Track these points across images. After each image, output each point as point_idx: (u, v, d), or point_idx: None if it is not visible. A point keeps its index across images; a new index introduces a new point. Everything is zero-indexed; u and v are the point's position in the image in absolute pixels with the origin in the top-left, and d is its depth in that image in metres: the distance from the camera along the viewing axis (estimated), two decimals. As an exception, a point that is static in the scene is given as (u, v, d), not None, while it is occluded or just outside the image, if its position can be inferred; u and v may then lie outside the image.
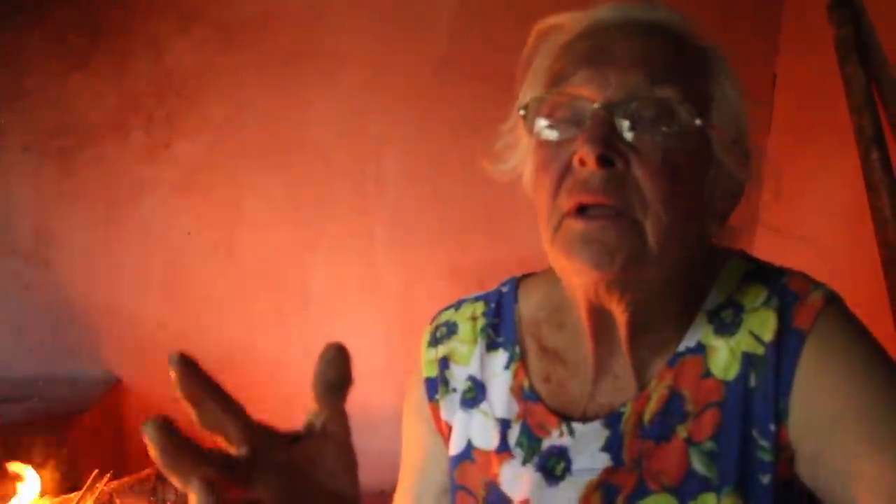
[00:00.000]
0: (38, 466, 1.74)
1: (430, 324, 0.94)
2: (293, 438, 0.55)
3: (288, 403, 2.31)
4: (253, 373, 2.28)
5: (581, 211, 0.70)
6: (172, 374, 0.48)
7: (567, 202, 0.71)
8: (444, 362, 0.89)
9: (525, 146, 0.80)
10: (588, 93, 0.71)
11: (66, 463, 1.84)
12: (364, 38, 2.15)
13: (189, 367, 0.48)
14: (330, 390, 0.54)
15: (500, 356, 0.87)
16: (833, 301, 0.76)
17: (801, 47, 2.01)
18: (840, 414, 0.71)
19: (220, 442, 0.51)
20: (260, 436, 0.52)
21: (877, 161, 1.51)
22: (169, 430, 0.45)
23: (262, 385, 2.28)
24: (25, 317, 2.19)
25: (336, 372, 0.54)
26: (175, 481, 0.46)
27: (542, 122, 0.75)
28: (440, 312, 0.94)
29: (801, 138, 1.95)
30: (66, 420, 1.96)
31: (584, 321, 0.78)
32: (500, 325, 0.89)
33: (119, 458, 2.19)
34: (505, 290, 0.92)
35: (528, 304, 0.89)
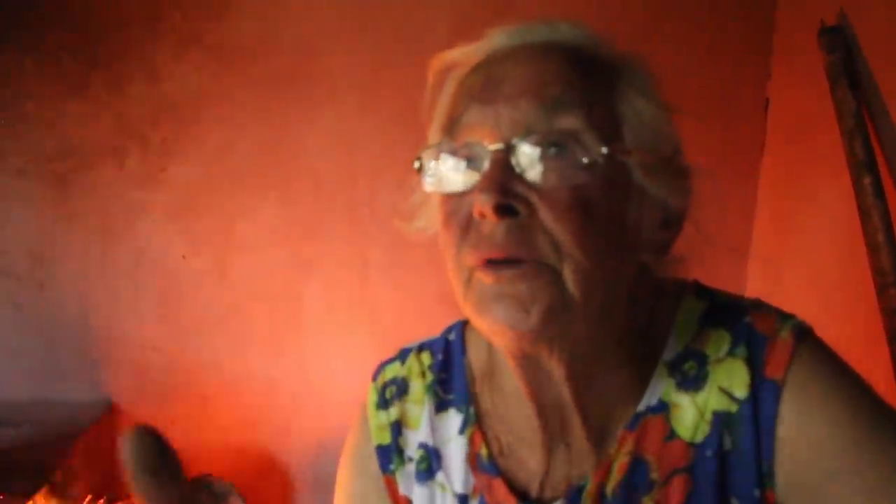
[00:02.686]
0: (30, 492, 1.73)
1: (374, 381, 0.84)
2: None
3: (282, 426, 2.31)
4: (247, 396, 2.27)
5: (489, 264, 0.62)
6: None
7: (472, 258, 0.62)
8: (397, 427, 0.80)
9: (434, 201, 0.70)
10: (481, 134, 0.63)
11: (59, 487, 1.83)
12: (359, 63, 2.16)
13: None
14: None
15: (453, 418, 0.78)
16: (804, 338, 0.68)
17: (793, 72, 2.02)
18: (833, 469, 0.64)
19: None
20: None
21: (869, 186, 1.51)
22: None
23: (256, 408, 2.28)
24: (19, 340, 2.19)
25: None
26: None
27: (444, 171, 0.66)
28: (383, 366, 0.85)
29: (794, 162, 1.96)
30: (60, 444, 1.95)
31: (520, 383, 0.69)
32: (449, 381, 0.79)
33: (113, 482, 2.17)
34: (452, 337, 0.82)
35: (478, 357, 0.79)
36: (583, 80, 0.64)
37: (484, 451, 0.75)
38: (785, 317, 0.70)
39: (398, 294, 2.25)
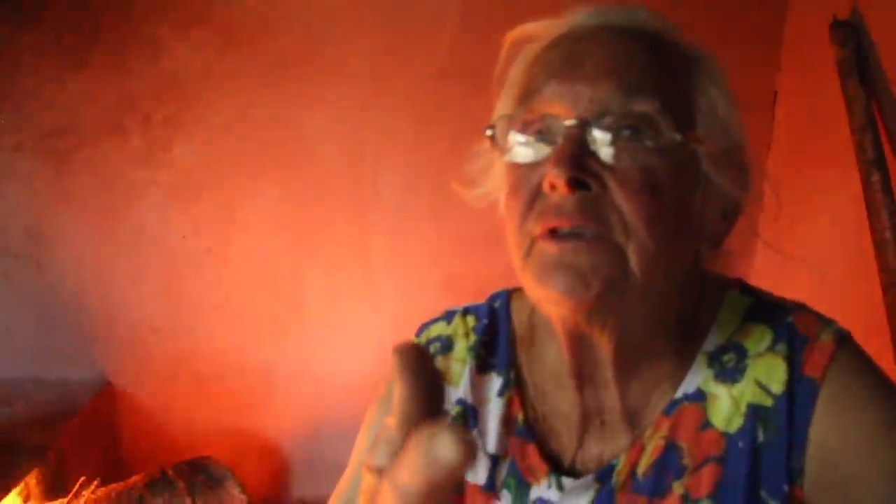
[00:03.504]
0: (24, 471, 1.72)
1: (418, 336, 0.87)
2: None
3: (280, 409, 2.31)
4: (246, 379, 2.26)
5: (554, 233, 0.63)
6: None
7: (537, 226, 0.64)
8: None
9: (499, 169, 0.72)
10: (558, 109, 0.65)
11: (53, 468, 1.82)
12: (364, 48, 2.14)
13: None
14: None
15: (494, 380, 0.80)
16: (844, 343, 0.70)
17: (803, 65, 2.01)
18: (861, 473, 0.65)
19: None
20: None
21: (878, 183, 1.50)
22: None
23: (254, 392, 2.27)
24: (15, 318, 2.17)
25: None
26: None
27: (512, 142, 0.68)
28: (427, 325, 0.87)
29: (802, 157, 1.94)
30: (55, 424, 1.94)
31: (566, 357, 0.71)
32: (492, 345, 0.82)
33: (108, 463, 2.17)
34: (497, 305, 0.85)
35: (520, 326, 0.82)
36: (661, 66, 0.66)
37: (520, 416, 0.77)
38: (827, 321, 0.72)
39: (399, 279, 2.24)
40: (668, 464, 0.71)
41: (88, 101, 2.11)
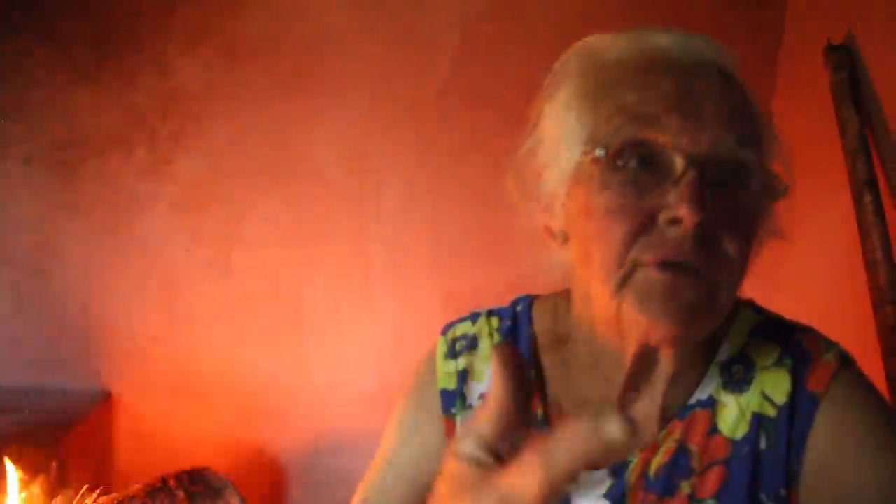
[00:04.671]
0: (27, 480, 1.74)
1: (444, 335, 0.90)
2: None
3: (280, 421, 2.32)
4: (246, 390, 2.28)
5: (665, 264, 0.66)
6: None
7: (648, 255, 0.66)
8: (464, 376, 0.87)
9: (565, 175, 0.72)
10: (679, 143, 0.66)
11: (55, 476, 1.84)
12: (366, 66, 2.18)
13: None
14: None
15: None
16: (847, 363, 0.75)
17: (798, 89, 2.03)
18: (852, 483, 0.70)
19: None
20: None
21: (869, 204, 1.52)
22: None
23: (254, 403, 2.29)
24: (22, 328, 2.19)
25: None
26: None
27: (611, 161, 0.68)
28: (453, 324, 0.91)
29: (795, 178, 1.96)
30: (57, 433, 1.95)
31: (624, 366, 0.73)
32: (515, 346, 0.85)
33: (109, 472, 2.18)
34: (519, 309, 0.89)
35: (543, 329, 0.86)
36: (755, 117, 0.71)
37: (539, 411, 0.81)
38: (831, 343, 0.77)
39: (399, 293, 2.26)
40: (679, 465, 0.76)
41: (96, 115, 2.14)
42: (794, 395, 0.73)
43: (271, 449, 2.31)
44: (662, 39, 0.72)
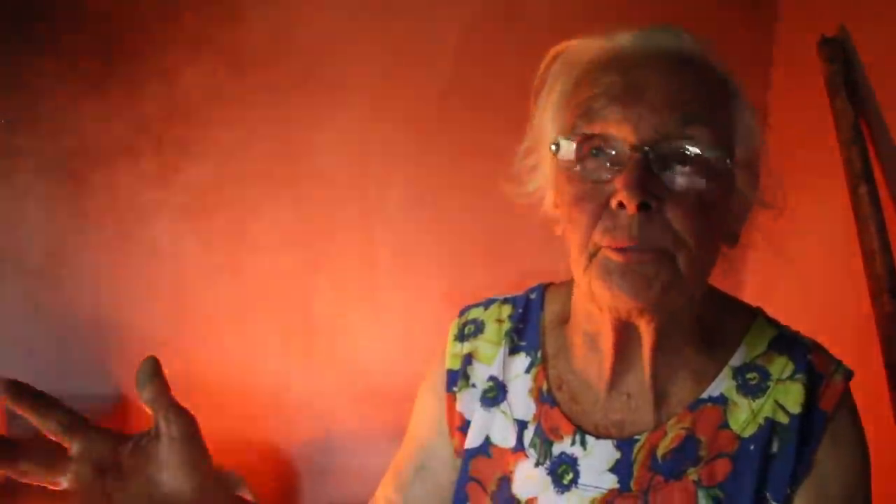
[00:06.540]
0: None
1: (459, 317, 0.96)
2: (137, 439, 0.60)
3: (290, 421, 2.35)
4: (256, 391, 2.30)
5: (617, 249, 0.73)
6: (6, 400, 0.55)
7: (604, 240, 0.72)
8: (468, 359, 0.92)
9: (548, 169, 0.81)
10: (622, 133, 0.72)
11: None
12: (370, 68, 2.21)
13: (18, 391, 0.57)
14: (142, 392, 0.61)
15: (522, 360, 0.90)
16: (848, 379, 0.82)
17: (792, 82, 2.05)
18: (842, 497, 0.79)
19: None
20: (85, 434, 0.59)
21: (865, 195, 1.54)
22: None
23: (263, 405, 2.31)
24: (36, 335, 2.23)
25: (142, 376, 0.61)
26: None
27: (570, 155, 0.75)
28: (469, 308, 0.97)
29: (791, 170, 1.98)
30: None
31: (608, 337, 0.80)
32: (524, 330, 0.92)
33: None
34: (533, 296, 0.94)
35: (552, 312, 0.92)
36: (710, 96, 0.75)
37: (545, 386, 0.87)
38: (836, 361, 0.84)
39: (405, 295, 2.29)
40: (687, 452, 0.80)
41: (103, 125, 2.17)
42: (807, 409, 0.79)
43: (282, 448, 2.34)
44: (624, 38, 0.78)
